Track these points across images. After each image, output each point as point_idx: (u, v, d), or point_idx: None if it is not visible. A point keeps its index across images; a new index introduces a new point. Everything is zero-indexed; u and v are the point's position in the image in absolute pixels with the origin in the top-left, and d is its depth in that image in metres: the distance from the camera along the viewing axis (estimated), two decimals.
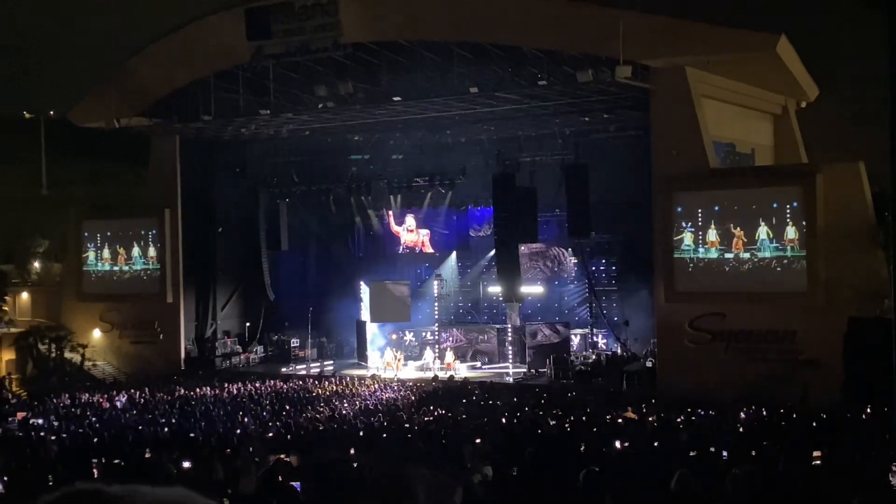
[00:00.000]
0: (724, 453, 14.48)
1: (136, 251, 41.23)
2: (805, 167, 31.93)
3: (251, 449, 16.55)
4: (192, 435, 20.13)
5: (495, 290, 40.79)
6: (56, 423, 23.66)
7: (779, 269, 29.53)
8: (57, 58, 39.20)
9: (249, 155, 41.16)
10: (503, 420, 23.18)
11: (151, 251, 40.78)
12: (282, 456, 15.34)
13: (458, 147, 39.60)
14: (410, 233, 43.78)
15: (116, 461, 15.32)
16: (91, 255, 42.17)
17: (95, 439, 19.51)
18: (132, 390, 32.17)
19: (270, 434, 20.41)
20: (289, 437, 19.71)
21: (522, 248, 38.35)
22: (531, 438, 16.63)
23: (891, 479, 10.48)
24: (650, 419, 22.83)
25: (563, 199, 36.99)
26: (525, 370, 36.64)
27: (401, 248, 44.14)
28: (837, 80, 33.59)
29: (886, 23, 13.79)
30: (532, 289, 39.49)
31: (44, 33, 39.18)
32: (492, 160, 38.12)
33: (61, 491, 1.71)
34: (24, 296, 43.07)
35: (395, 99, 33.68)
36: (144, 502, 1.69)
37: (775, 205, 29.68)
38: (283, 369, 39.70)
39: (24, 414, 26.06)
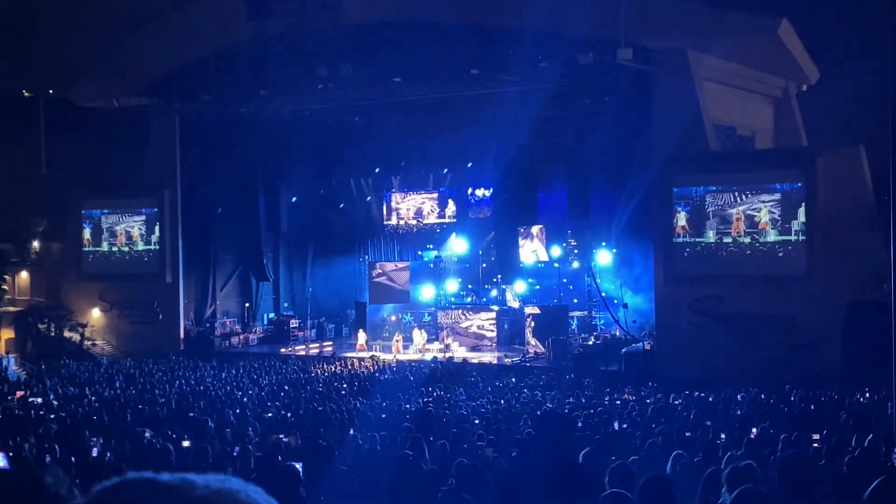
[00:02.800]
0: (722, 435, 14.53)
1: (135, 231, 41.22)
2: (806, 151, 31.89)
3: (250, 429, 16.60)
4: (191, 414, 20.16)
5: (494, 271, 40.88)
6: (55, 402, 23.69)
7: (780, 252, 29.55)
8: (57, 36, 38.99)
9: (249, 135, 41.06)
10: (502, 402, 23.24)
11: (151, 231, 40.77)
12: (280, 436, 15.40)
13: (458, 128, 39.52)
14: (410, 214, 43.77)
15: (115, 440, 15.36)
16: (90, 234, 42.18)
17: (94, 418, 19.54)
18: (131, 370, 32.23)
19: (269, 414, 20.45)
20: (288, 416, 19.75)
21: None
22: (530, 420, 16.66)
23: (893, 460, 10.53)
24: (648, 401, 22.90)
25: (563, 182, 36.97)
26: (524, 352, 36.69)
27: (401, 229, 44.14)
28: (839, 64, 33.45)
29: (889, 8, 13.76)
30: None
31: (43, 11, 38.97)
32: (492, 142, 38.06)
33: (113, 481, 1.74)
34: (24, 275, 43.05)
35: (396, 80, 33.60)
36: (196, 492, 1.72)
37: (776, 188, 29.68)
38: (282, 350, 39.74)
39: (22, 392, 26.09)
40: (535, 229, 40.12)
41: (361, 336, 38.97)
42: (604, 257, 38.15)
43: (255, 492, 1.79)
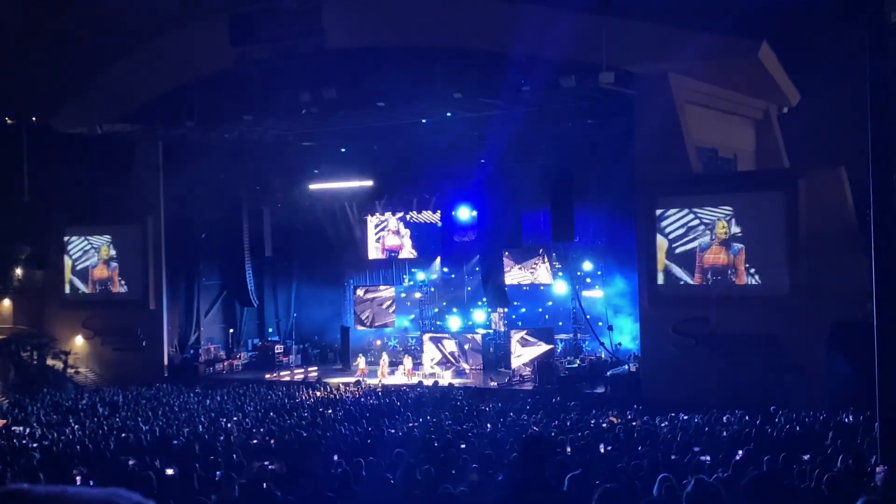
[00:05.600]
0: (707, 458, 14.53)
1: (118, 258, 41.02)
2: (787, 172, 32.09)
3: (234, 456, 16.50)
4: (175, 442, 20.04)
5: (479, 294, 40.84)
6: (38, 431, 23.51)
7: (762, 273, 29.64)
8: (39, 63, 39.00)
9: (233, 160, 41.01)
10: (488, 425, 23.18)
11: (134, 258, 40.58)
12: (265, 463, 15.32)
13: (442, 152, 39.58)
14: (395, 238, 43.75)
15: (99, 469, 15.23)
16: (73, 261, 41.96)
17: (78, 447, 19.39)
18: (115, 397, 32.02)
19: (254, 441, 20.34)
20: (272, 443, 19.65)
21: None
22: (516, 443, 16.61)
23: (876, 481, 10.56)
24: (634, 423, 22.88)
25: (548, 204, 37.06)
26: (510, 375, 36.65)
27: (385, 253, 44.09)
28: (819, 85, 33.71)
29: (867, 32, 13.90)
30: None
31: (25, 38, 38.97)
32: (476, 165, 38.15)
33: None
34: (6, 302, 42.79)
35: (379, 104, 33.68)
36: (72, 502, 1.69)
37: (758, 210, 29.80)
38: (267, 375, 39.55)
39: (4, 421, 25.89)
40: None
41: (362, 361, 38.79)
42: (588, 279, 38.27)
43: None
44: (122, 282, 40.97)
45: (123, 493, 1.76)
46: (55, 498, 1.68)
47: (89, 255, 41.67)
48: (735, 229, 29.99)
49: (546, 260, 39.54)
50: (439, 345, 39.87)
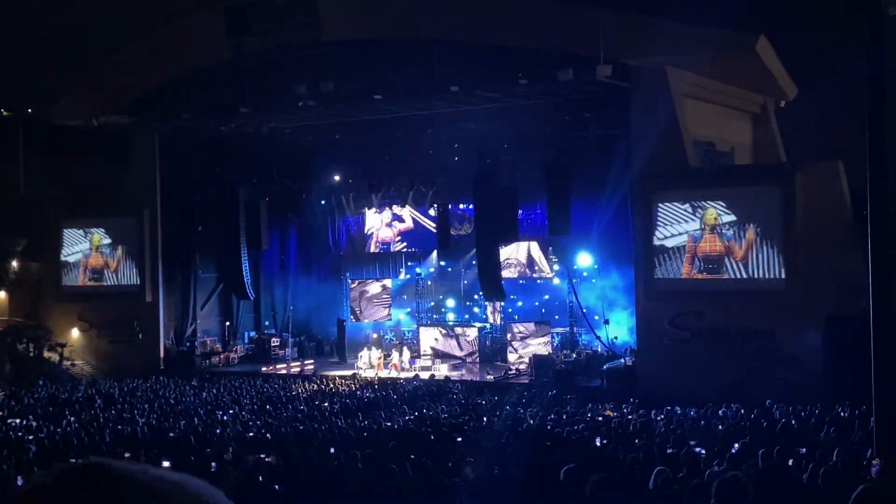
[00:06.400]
0: (703, 451, 14.54)
1: (114, 250, 40.96)
2: (784, 166, 32.09)
3: (231, 448, 16.50)
4: (171, 434, 20.04)
5: (476, 288, 40.84)
6: (34, 423, 23.49)
7: (757, 267, 29.64)
8: (36, 55, 38.92)
9: (229, 153, 40.93)
10: (484, 419, 23.20)
11: (130, 250, 40.51)
12: (261, 455, 15.31)
13: (439, 145, 39.57)
14: (390, 231, 43.77)
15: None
16: (69, 253, 41.89)
17: (74, 439, 19.38)
18: (111, 390, 32.01)
19: (250, 434, 20.34)
20: (268, 436, 19.64)
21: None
22: (512, 437, 16.63)
23: (872, 474, 10.57)
24: (630, 417, 22.91)
25: (544, 198, 37.06)
26: (506, 369, 36.67)
27: (381, 246, 44.10)
28: (816, 79, 33.67)
29: (865, 25, 13.88)
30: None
31: (22, 30, 38.87)
32: (473, 158, 38.11)
33: (68, 464, 1.74)
34: (2, 295, 42.72)
35: (376, 97, 33.63)
36: (152, 481, 1.72)
37: (754, 203, 29.80)
38: (263, 368, 39.51)
39: (0, 414, 25.86)
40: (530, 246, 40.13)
41: (367, 353, 38.70)
42: (584, 273, 38.28)
43: (216, 493, 1.80)
44: (119, 274, 40.88)
45: (196, 482, 1.81)
46: (137, 473, 1.71)
47: (85, 247, 41.59)
48: (728, 220, 29.97)
49: (541, 251, 39.67)
50: (435, 337, 39.83)
